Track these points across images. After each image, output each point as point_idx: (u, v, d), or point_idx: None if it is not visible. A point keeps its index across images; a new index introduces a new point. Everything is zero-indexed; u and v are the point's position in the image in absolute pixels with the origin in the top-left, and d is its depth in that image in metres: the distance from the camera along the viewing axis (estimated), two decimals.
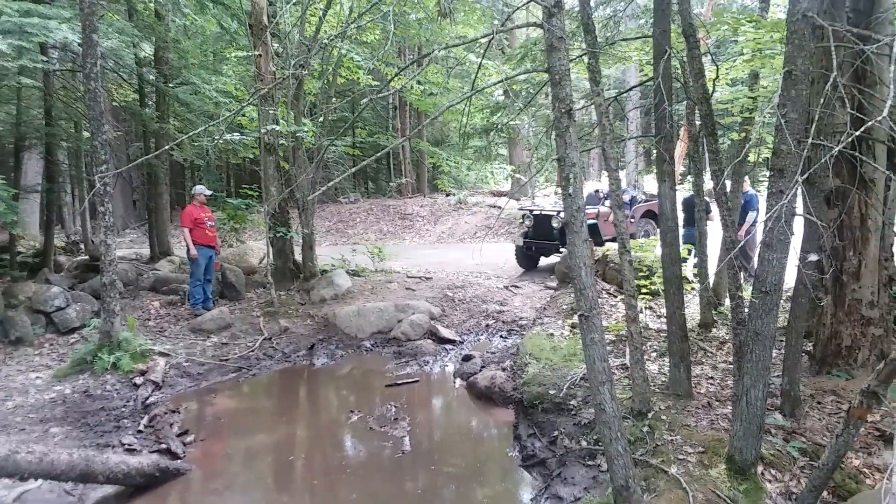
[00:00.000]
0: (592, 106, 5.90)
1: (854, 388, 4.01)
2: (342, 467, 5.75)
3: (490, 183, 29.70)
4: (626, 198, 13.18)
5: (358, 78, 13.80)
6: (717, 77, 5.92)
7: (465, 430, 6.58)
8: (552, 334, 8.04)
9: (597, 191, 14.71)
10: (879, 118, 2.55)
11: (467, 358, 8.27)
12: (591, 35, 5.08)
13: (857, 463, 4.47)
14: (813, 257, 4.85)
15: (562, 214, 11.76)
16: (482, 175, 28.05)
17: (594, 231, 12.55)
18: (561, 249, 12.66)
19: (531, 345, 7.60)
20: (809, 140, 3.42)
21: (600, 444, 4.23)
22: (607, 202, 13.14)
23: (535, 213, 13.24)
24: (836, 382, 5.61)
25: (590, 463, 5.05)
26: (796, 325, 4.98)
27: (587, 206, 12.10)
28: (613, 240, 12.24)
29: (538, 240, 13.05)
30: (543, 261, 14.08)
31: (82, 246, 15.68)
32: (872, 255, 5.54)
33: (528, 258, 13.64)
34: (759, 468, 4.29)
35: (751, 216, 9.38)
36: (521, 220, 14.15)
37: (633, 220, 13.73)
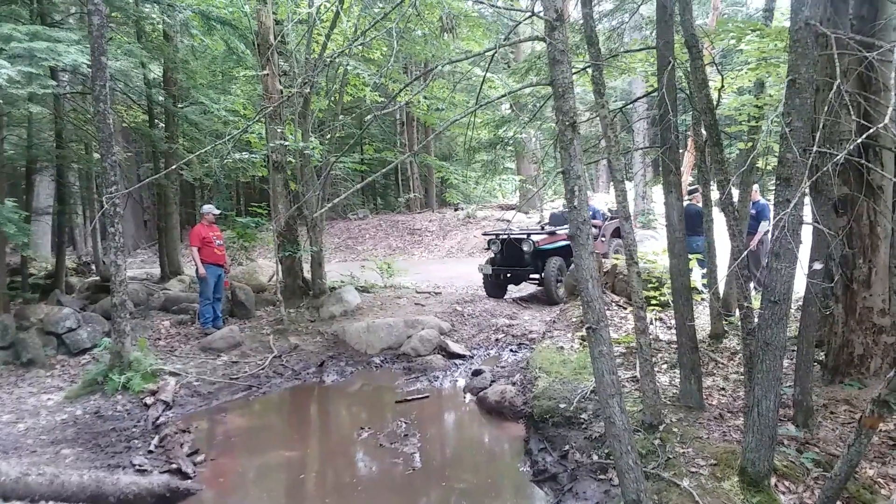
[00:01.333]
0: (598, 118, 5.90)
1: (867, 398, 3.97)
2: (353, 485, 5.72)
3: (498, 196, 29.75)
4: (598, 222, 12.96)
5: (364, 95, 13.89)
6: (723, 87, 5.93)
7: (475, 446, 6.54)
8: (562, 347, 8.01)
9: (562, 211, 13.86)
10: (882, 123, 2.53)
11: (477, 373, 8.24)
12: (595, 47, 5.10)
13: (871, 473, 4.42)
14: (818, 265, 4.81)
15: (533, 238, 11.62)
16: (490, 188, 28.09)
17: (566, 252, 11.59)
18: (532, 276, 12.08)
19: (541, 358, 7.57)
20: (815, 148, 3.41)
21: (611, 457, 4.19)
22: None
23: (502, 237, 12.31)
24: (849, 392, 5.55)
25: (601, 477, 5.01)
26: (807, 335, 4.94)
27: (554, 228, 12.34)
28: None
29: (507, 266, 12.16)
30: (515, 289, 13.19)
31: (93, 267, 15.79)
32: (882, 262, 5.50)
33: (496, 287, 12.52)
34: (773, 480, 4.24)
35: (763, 226, 9.33)
36: (486, 247, 13.11)
37: (603, 239, 12.95)
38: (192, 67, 13.85)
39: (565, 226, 12.10)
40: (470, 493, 5.42)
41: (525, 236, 11.78)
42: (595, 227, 12.60)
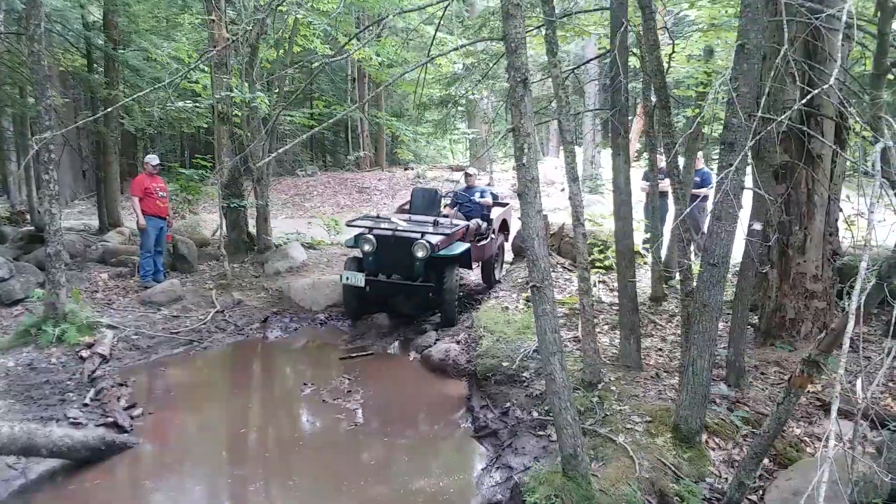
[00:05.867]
0: (549, 79, 5.88)
1: (797, 360, 4.13)
2: (295, 440, 5.72)
3: (449, 156, 29.61)
4: (489, 200, 10.13)
5: (314, 46, 13.54)
6: (674, 52, 5.95)
7: (418, 403, 6.58)
8: (507, 308, 8.08)
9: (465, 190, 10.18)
10: (825, 86, 2.56)
11: (422, 331, 8.27)
12: (549, 5, 5.05)
13: (798, 432, 4.61)
14: (757, 226, 4.93)
15: (429, 239, 7.99)
16: (440, 148, 27.94)
17: (465, 259, 8.66)
18: (419, 289, 8.41)
19: (485, 318, 7.64)
20: (759, 114, 3.46)
21: (551, 414, 4.27)
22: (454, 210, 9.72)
23: (376, 233, 8.26)
24: (780, 354, 5.76)
25: (540, 433, 5.11)
26: (742, 298, 5.08)
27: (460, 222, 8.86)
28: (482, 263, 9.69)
29: (385, 274, 8.42)
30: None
31: (28, 216, 15.18)
32: (818, 229, 5.67)
33: (360, 301, 8.77)
34: (704, 436, 4.39)
35: (703, 191, 9.51)
36: (350, 244, 8.75)
37: (493, 237, 9.89)
38: (134, 11, 13.25)
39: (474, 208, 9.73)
40: (411, 448, 5.47)
41: (419, 235, 8.06)
42: (483, 213, 9.87)
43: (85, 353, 7.09)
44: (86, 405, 6.02)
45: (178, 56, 13.83)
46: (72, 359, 7.03)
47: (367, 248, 8.20)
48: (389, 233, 8.23)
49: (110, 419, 5.65)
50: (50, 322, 7.31)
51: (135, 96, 8.60)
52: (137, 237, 10.30)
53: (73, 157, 18.00)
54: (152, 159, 9.99)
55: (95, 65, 13.56)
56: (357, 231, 8.56)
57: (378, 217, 9.14)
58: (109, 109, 9.52)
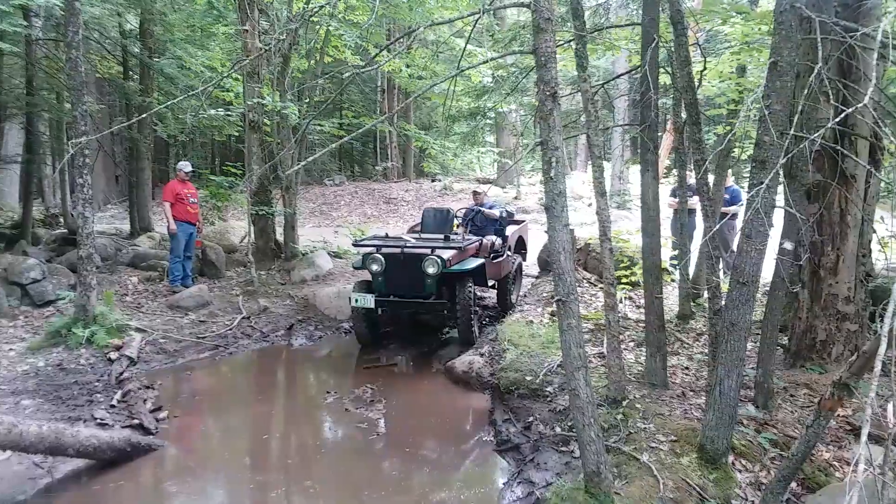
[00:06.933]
0: (579, 94, 5.87)
1: (827, 383, 4.05)
2: (316, 447, 5.73)
3: (476, 169, 29.65)
4: (497, 212, 9.62)
5: (345, 57, 13.69)
6: (705, 68, 5.91)
7: (440, 414, 6.56)
8: (531, 321, 8.05)
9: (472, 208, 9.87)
10: (859, 105, 2.53)
11: (446, 342, 8.26)
12: (580, 20, 5.06)
13: (827, 456, 4.51)
14: (788, 245, 4.86)
15: (440, 254, 7.69)
16: (468, 161, 27.99)
17: (479, 274, 8.38)
18: (433, 308, 8.07)
19: (510, 331, 7.60)
20: (791, 131, 3.42)
21: (574, 430, 4.23)
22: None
23: (385, 251, 7.88)
24: (810, 376, 5.66)
25: (563, 449, 5.07)
26: (772, 318, 5.00)
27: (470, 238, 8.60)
28: (496, 282, 9.29)
29: (396, 295, 7.96)
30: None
31: (61, 219, 15.47)
32: (850, 250, 5.57)
33: (371, 324, 8.43)
34: (730, 458, 4.32)
35: (731, 209, 9.42)
36: (358, 265, 8.31)
37: (509, 254, 9.63)
38: (170, 20, 13.51)
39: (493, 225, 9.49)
40: (433, 460, 5.45)
41: (429, 251, 7.76)
42: (496, 228, 9.62)
43: (113, 356, 7.20)
44: (112, 406, 6.10)
45: (212, 65, 14.05)
46: (100, 360, 7.15)
47: (375, 267, 7.81)
48: (398, 250, 7.78)
49: (136, 421, 5.72)
50: (80, 324, 7.43)
51: (168, 104, 8.77)
52: (168, 242, 10.44)
53: (106, 163, 18.36)
54: (185, 166, 10.17)
55: (131, 72, 13.84)
56: (365, 251, 8.12)
57: (386, 236, 8.83)
58: (143, 116, 9.71)
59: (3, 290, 8.42)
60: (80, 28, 7.53)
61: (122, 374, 6.89)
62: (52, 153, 16.58)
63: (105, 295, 8.18)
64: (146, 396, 6.38)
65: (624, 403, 5.20)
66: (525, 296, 9.83)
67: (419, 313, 8.81)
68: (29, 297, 8.65)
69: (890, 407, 2.44)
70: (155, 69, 13.08)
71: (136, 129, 12.84)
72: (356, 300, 7.93)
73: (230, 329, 8.70)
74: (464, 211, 9.97)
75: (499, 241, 9.41)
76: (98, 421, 5.72)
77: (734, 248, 5.40)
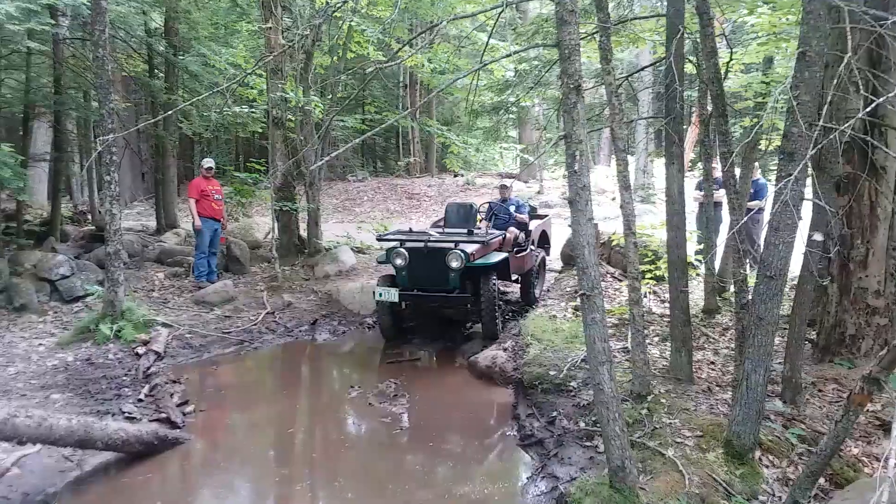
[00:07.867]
0: (602, 87, 5.82)
1: (856, 377, 3.98)
2: (341, 442, 5.76)
3: (499, 165, 29.57)
4: (526, 217, 9.66)
5: (367, 53, 13.70)
6: (731, 61, 5.84)
7: (464, 409, 6.56)
8: (555, 316, 8.02)
9: (500, 201, 10.00)
10: (890, 95, 2.48)
11: (469, 337, 8.25)
12: (604, 11, 5.01)
13: (856, 451, 4.45)
14: (818, 237, 4.79)
15: (464, 248, 7.63)
16: (490, 157, 27.92)
17: (503, 268, 8.31)
18: (457, 302, 8.11)
19: (533, 326, 7.57)
20: (820, 122, 3.36)
21: (598, 425, 4.21)
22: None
23: (408, 246, 7.91)
24: (839, 371, 5.57)
25: (587, 444, 5.04)
26: (800, 312, 4.94)
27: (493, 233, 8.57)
28: (520, 276, 9.27)
29: (420, 289, 7.93)
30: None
31: (89, 216, 15.68)
32: (880, 243, 5.48)
33: (395, 318, 8.48)
34: (757, 453, 4.27)
35: (754, 204, 9.26)
36: (382, 259, 8.41)
37: (533, 249, 9.45)
38: (194, 18, 13.63)
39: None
40: (456, 454, 5.45)
41: (452, 245, 7.67)
42: (520, 224, 9.49)
43: (140, 350, 7.29)
44: (140, 401, 6.18)
45: (236, 62, 14.14)
46: (128, 355, 7.24)
47: (399, 262, 7.85)
48: (422, 245, 7.77)
49: (163, 415, 5.78)
50: (108, 319, 7.54)
51: (193, 101, 8.84)
52: (193, 238, 10.55)
53: (133, 160, 18.56)
54: (207, 162, 10.27)
55: (156, 70, 13.97)
56: (388, 246, 8.17)
57: (410, 231, 8.84)
58: (169, 113, 9.81)
59: (32, 286, 8.56)
60: (107, 26, 7.62)
61: (149, 368, 6.98)
62: (80, 151, 16.80)
63: (130, 291, 8.27)
64: (173, 391, 6.45)
65: (649, 398, 5.16)
66: (548, 290, 9.80)
67: (443, 307, 8.75)
68: (58, 292, 8.79)
69: None
70: (180, 67, 13.19)
71: (162, 127, 12.95)
72: (380, 294, 7.97)
73: (255, 324, 8.77)
74: (488, 204, 9.96)
75: (522, 234, 9.38)
76: (126, 415, 5.80)
77: (760, 242, 5.34)
